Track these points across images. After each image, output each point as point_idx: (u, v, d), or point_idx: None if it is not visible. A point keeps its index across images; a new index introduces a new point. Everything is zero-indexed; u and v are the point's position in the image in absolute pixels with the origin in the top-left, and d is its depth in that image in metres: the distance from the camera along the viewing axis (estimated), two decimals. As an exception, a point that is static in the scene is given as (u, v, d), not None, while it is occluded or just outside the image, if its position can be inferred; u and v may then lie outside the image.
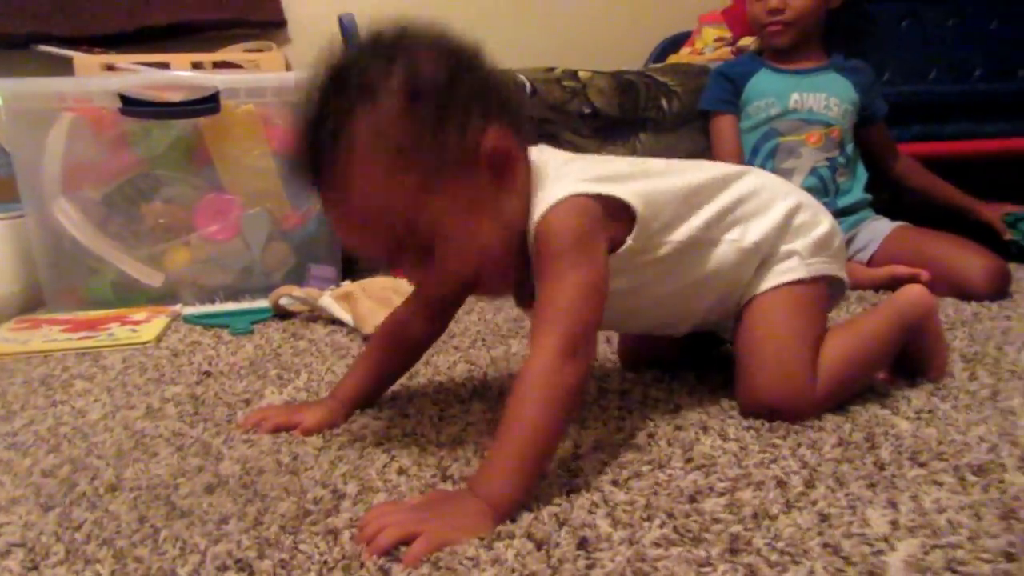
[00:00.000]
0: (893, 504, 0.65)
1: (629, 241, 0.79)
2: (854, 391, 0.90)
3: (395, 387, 0.99)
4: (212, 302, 1.58)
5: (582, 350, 0.70)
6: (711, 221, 0.85)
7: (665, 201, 0.82)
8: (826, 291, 0.91)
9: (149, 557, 0.61)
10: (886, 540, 0.60)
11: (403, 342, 0.93)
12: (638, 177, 0.83)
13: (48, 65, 2.03)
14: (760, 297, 0.88)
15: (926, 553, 0.57)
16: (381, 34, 0.71)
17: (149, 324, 1.41)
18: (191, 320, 1.45)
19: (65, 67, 1.88)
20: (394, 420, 0.89)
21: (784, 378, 0.83)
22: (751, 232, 0.87)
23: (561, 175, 0.77)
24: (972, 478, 0.69)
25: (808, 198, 0.93)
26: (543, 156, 0.80)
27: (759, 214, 0.88)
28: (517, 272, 0.77)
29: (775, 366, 0.84)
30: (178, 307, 1.54)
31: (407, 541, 0.60)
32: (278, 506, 0.69)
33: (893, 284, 1.47)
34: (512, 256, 0.75)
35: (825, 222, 0.91)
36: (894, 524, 0.62)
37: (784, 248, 0.88)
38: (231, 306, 1.54)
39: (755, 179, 0.92)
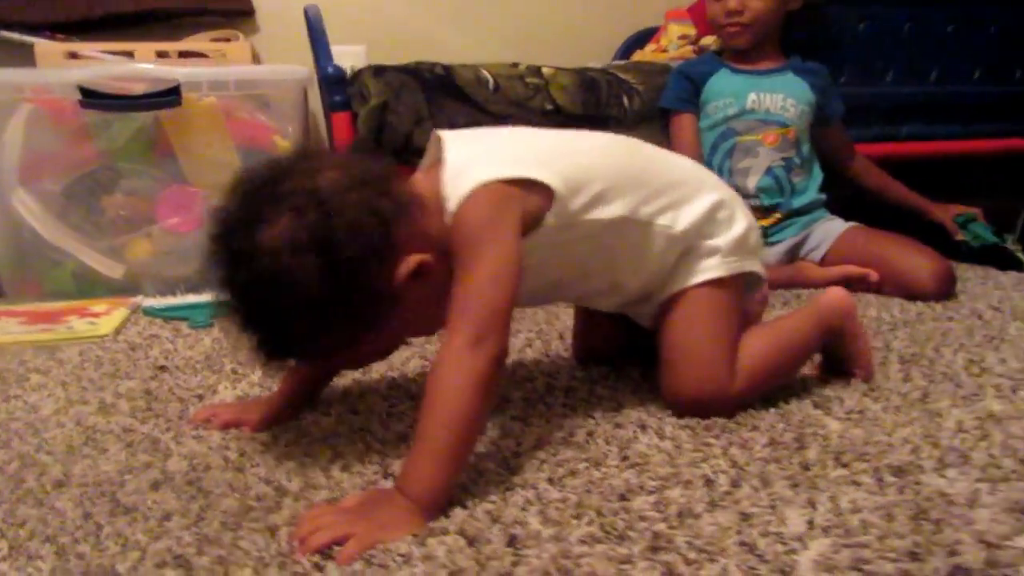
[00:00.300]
0: (812, 504, 0.68)
1: (549, 219, 0.80)
2: (773, 387, 0.93)
3: (348, 382, 1.01)
4: (174, 294, 1.58)
5: (492, 336, 0.71)
6: (639, 203, 0.86)
7: (588, 179, 0.83)
8: (742, 286, 0.94)
9: (90, 554, 0.63)
10: (800, 539, 0.62)
11: None
12: (562, 155, 0.85)
13: (9, 52, 2.01)
14: (683, 295, 0.90)
15: (835, 552, 0.60)
16: (245, 236, 0.70)
17: (108, 317, 1.42)
18: (151, 312, 1.46)
19: (27, 54, 1.86)
20: (343, 416, 0.91)
21: (705, 377, 0.87)
22: (681, 220, 0.88)
23: (471, 163, 0.79)
24: (890, 479, 0.72)
25: (729, 194, 0.95)
26: (454, 152, 0.81)
27: (687, 202, 0.90)
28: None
29: (696, 366, 0.88)
30: (139, 299, 1.54)
31: (340, 542, 0.62)
32: (221, 503, 0.71)
33: (845, 283, 1.51)
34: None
35: (742, 220, 0.93)
36: (810, 523, 0.65)
37: (707, 243, 0.90)
38: (192, 298, 1.54)
39: (683, 168, 0.96)
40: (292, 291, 0.69)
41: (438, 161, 0.82)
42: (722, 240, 0.90)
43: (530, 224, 0.79)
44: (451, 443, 0.68)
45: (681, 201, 0.89)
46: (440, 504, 0.67)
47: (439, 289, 0.75)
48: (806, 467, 0.75)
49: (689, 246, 0.90)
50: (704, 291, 0.90)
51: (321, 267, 0.69)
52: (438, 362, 0.71)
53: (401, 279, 0.73)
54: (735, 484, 0.72)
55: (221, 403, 0.96)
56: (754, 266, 0.95)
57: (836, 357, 0.99)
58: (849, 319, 0.98)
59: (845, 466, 0.75)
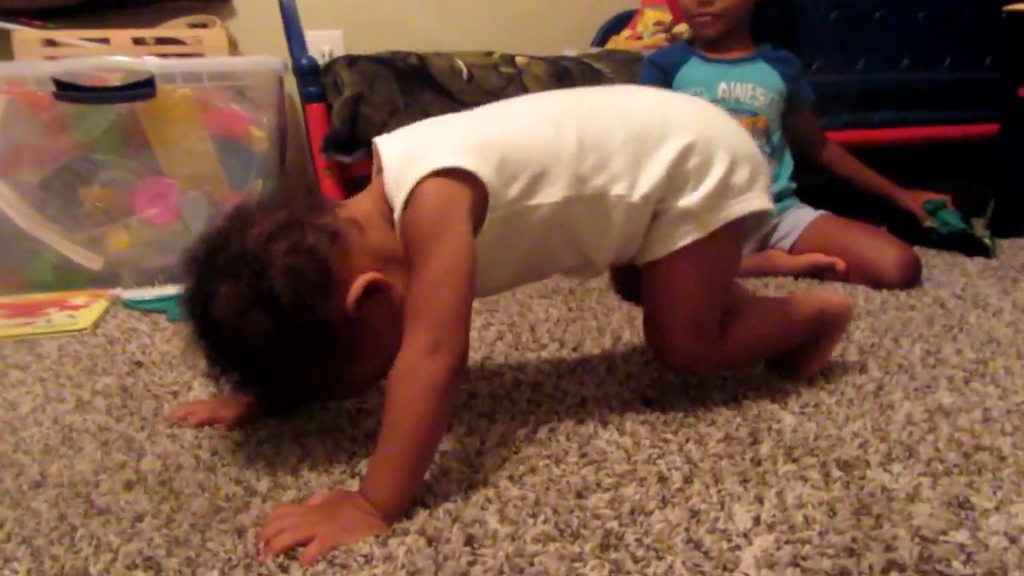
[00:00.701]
0: (760, 500, 0.71)
1: (490, 213, 0.78)
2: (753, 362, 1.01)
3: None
4: (152, 285, 1.60)
5: (449, 340, 0.71)
6: (584, 177, 0.81)
7: (523, 161, 0.80)
8: (735, 229, 0.87)
9: (64, 555, 0.65)
10: (746, 536, 0.65)
11: None
12: (492, 140, 0.80)
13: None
14: (663, 263, 0.86)
15: (777, 548, 0.63)
16: (203, 314, 0.76)
17: (87, 309, 1.43)
18: (130, 305, 1.48)
19: (3, 40, 1.86)
20: (314, 414, 0.93)
21: (694, 346, 0.89)
22: (639, 185, 0.82)
23: (407, 163, 0.77)
24: (837, 473, 0.75)
25: (706, 133, 0.85)
26: (388, 156, 0.80)
27: (645, 160, 0.83)
28: None
29: (685, 333, 0.88)
30: (118, 291, 1.56)
31: (303, 543, 0.64)
32: (192, 503, 0.73)
33: (813, 272, 1.54)
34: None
35: (722, 162, 0.84)
36: (756, 520, 0.67)
37: (679, 205, 0.83)
38: (171, 290, 1.55)
39: (640, 116, 0.86)
40: (258, 349, 0.74)
41: (380, 168, 0.81)
42: (695, 197, 0.83)
43: (477, 221, 0.77)
44: (411, 451, 0.70)
45: (638, 161, 0.82)
46: (401, 510, 0.69)
47: (403, 299, 0.76)
48: (758, 463, 0.78)
49: (658, 209, 0.84)
50: (685, 256, 0.85)
51: (271, 320, 0.73)
52: (396, 369, 0.71)
53: (353, 302, 0.75)
54: (688, 481, 0.75)
55: (196, 401, 0.98)
56: (746, 207, 0.86)
57: (796, 353, 0.99)
58: (842, 328, 1.01)
59: (795, 461, 0.78)
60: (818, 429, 0.85)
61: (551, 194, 0.81)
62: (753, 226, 0.91)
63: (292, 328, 0.73)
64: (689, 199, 0.84)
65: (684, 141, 0.83)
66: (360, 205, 0.81)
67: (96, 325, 1.36)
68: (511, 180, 0.79)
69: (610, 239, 0.86)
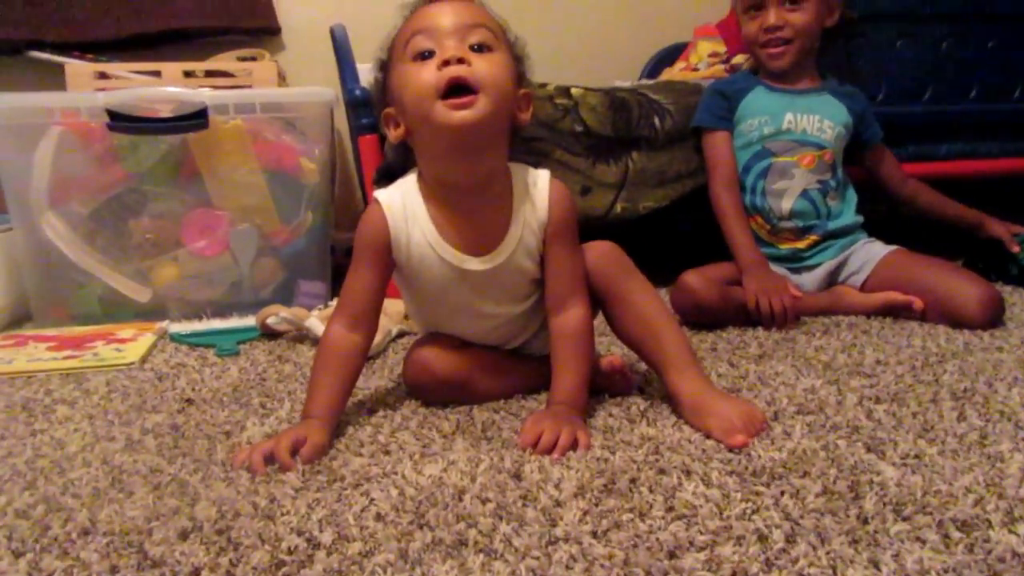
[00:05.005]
0: (875, 564, 0.64)
1: None
2: None
3: (378, 418, 0.99)
4: (200, 318, 1.57)
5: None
6: None
7: None
8: None
9: (117, 614, 0.60)
10: (866, 606, 0.59)
11: (354, 356, 0.99)
12: None
13: (40, 73, 2.02)
14: None
15: (906, 622, 0.56)
16: None
17: (135, 343, 1.40)
18: (178, 339, 1.44)
19: (57, 74, 1.87)
20: (375, 456, 0.88)
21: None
22: None
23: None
24: (956, 534, 0.68)
25: None
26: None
27: None
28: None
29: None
30: (165, 324, 1.52)
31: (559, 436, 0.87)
32: (251, 556, 0.67)
33: (888, 311, 1.47)
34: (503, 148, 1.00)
35: None
36: (875, 587, 0.61)
37: None
38: (219, 323, 1.52)
39: None
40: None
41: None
42: None
43: None
44: (589, 374, 1.01)
45: None
46: (586, 408, 0.99)
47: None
48: (864, 520, 0.71)
49: None
50: None
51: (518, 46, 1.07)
52: (579, 323, 1.00)
53: (521, 94, 1.02)
54: (790, 540, 0.68)
55: (278, 434, 0.92)
56: None
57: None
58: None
59: (906, 519, 0.71)
60: (925, 483, 0.78)
61: None
62: None
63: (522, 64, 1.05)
64: None
65: None
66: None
67: (144, 359, 1.32)
68: None
69: None
